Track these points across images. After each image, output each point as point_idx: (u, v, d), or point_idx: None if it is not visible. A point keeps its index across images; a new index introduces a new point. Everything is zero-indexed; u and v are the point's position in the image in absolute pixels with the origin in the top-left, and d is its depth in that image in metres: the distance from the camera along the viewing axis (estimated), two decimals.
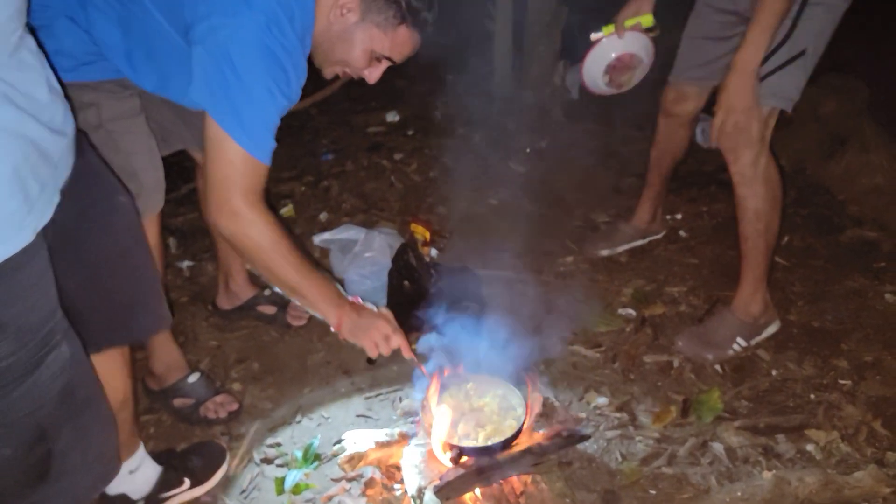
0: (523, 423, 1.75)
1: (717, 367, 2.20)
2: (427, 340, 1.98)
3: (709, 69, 2.28)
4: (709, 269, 2.62)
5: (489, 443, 1.72)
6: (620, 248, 2.78)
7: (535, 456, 1.72)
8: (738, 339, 2.27)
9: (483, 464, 1.69)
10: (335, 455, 1.85)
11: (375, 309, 1.78)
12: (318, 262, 2.81)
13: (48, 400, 1.10)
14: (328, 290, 1.69)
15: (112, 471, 1.35)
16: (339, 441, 1.92)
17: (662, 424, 2.00)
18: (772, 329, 2.29)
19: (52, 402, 1.11)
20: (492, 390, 1.89)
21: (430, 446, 1.77)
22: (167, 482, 1.78)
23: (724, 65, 2.00)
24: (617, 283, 2.62)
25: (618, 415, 2.04)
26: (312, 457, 1.88)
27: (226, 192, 1.50)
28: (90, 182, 1.33)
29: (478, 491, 1.69)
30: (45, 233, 1.07)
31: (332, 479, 1.87)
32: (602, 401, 2.09)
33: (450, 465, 1.69)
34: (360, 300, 1.78)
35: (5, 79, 0.98)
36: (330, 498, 1.82)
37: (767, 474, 1.76)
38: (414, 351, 1.85)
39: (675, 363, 2.23)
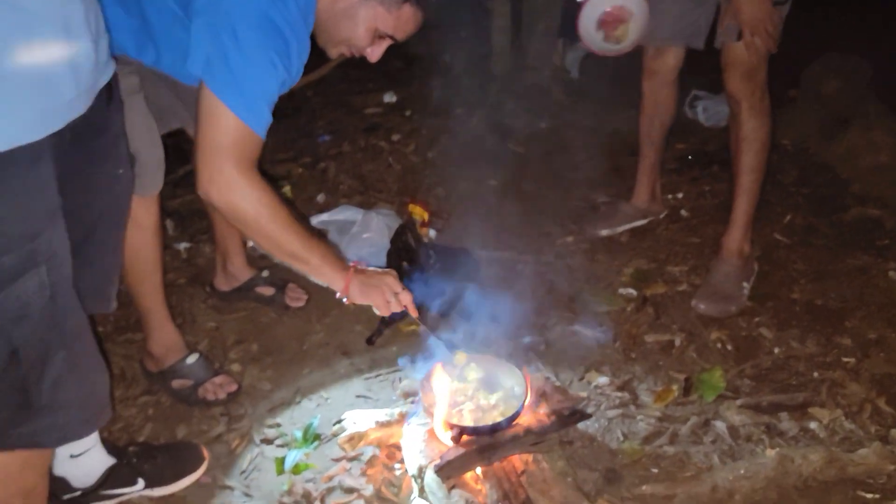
0: (524, 402, 1.73)
1: (719, 344, 2.19)
2: (426, 321, 1.95)
3: (682, 30, 2.35)
4: (710, 248, 2.59)
5: (490, 422, 1.70)
6: (621, 228, 2.76)
7: (536, 435, 1.71)
8: (744, 283, 2.33)
9: (484, 443, 1.67)
10: (335, 435, 1.84)
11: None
12: None
13: (33, 314, 1.13)
14: (331, 255, 1.65)
15: (105, 412, 1.35)
16: (339, 421, 1.90)
17: (664, 403, 1.99)
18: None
19: (38, 320, 1.13)
20: (492, 370, 1.87)
21: (431, 426, 1.75)
22: (116, 478, 1.71)
23: (697, 26, 2.24)
24: (617, 262, 2.60)
25: (619, 394, 2.03)
26: (312, 437, 1.86)
27: (219, 162, 1.45)
28: (111, 142, 1.37)
29: (479, 470, 1.67)
30: (53, 153, 1.11)
31: (333, 459, 1.86)
32: (603, 380, 2.07)
33: (450, 444, 1.67)
34: (363, 263, 1.75)
35: None
36: (330, 478, 1.81)
37: (770, 452, 1.74)
38: (419, 319, 1.82)
39: (677, 342, 2.21)
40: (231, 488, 1.81)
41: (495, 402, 1.77)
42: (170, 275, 2.63)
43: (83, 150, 1.25)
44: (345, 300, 1.69)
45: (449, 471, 1.63)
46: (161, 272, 2.03)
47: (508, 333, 2.18)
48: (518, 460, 1.72)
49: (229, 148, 1.46)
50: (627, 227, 2.76)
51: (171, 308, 2.43)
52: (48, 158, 1.13)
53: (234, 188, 1.47)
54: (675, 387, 2.04)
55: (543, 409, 1.79)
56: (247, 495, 1.79)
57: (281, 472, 1.81)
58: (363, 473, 1.81)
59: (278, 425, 1.99)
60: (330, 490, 1.78)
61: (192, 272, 2.65)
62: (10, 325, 1.12)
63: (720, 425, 1.90)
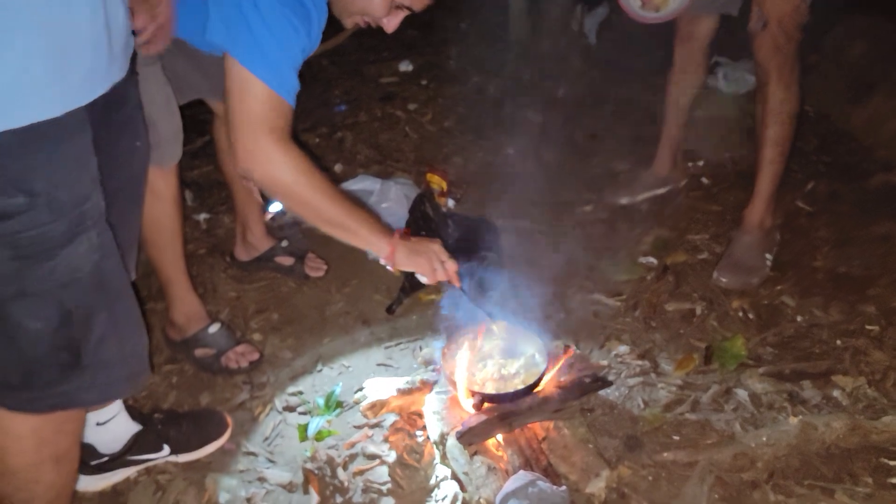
0: (545, 370, 1.74)
1: (741, 313, 2.17)
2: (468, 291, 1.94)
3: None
4: (732, 216, 2.57)
5: (511, 390, 1.71)
6: (641, 197, 2.74)
7: (558, 402, 1.71)
8: (766, 255, 2.31)
9: (505, 410, 1.68)
10: (357, 403, 1.85)
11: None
12: None
13: (83, 277, 1.15)
14: (375, 221, 1.62)
15: (145, 371, 1.37)
16: (361, 389, 1.92)
17: (685, 372, 1.98)
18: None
19: (87, 281, 1.16)
20: (513, 338, 1.87)
21: (452, 393, 1.76)
22: (142, 444, 1.74)
23: None
24: (638, 231, 2.58)
25: (639, 362, 2.03)
26: (335, 404, 1.88)
27: (253, 134, 1.44)
28: (130, 114, 1.37)
29: (500, 437, 1.69)
30: (90, 121, 1.14)
31: (355, 426, 1.88)
32: (623, 349, 2.07)
33: (472, 411, 1.68)
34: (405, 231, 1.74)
35: None
36: (352, 444, 1.83)
37: (793, 419, 1.74)
38: (462, 290, 1.82)
39: (698, 310, 2.20)
40: (255, 454, 1.83)
41: (516, 370, 1.77)
42: (190, 245, 2.64)
43: (105, 121, 1.26)
44: (389, 267, 1.67)
45: (470, 437, 1.64)
46: (181, 242, 2.03)
47: (528, 303, 2.18)
48: (539, 427, 1.73)
49: (262, 118, 1.44)
50: (647, 195, 2.74)
51: (192, 278, 2.45)
52: (86, 128, 1.15)
53: (272, 159, 1.45)
54: (695, 355, 2.03)
55: (564, 377, 1.80)
56: (270, 461, 1.81)
57: (304, 438, 1.83)
58: (385, 440, 1.83)
59: (300, 393, 2.01)
60: (353, 457, 1.80)
61: (212, 242, 2.66)
62: (61, 288, 1.14)
63: (742, 393, 1.90)
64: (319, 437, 1.81)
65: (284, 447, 1.85)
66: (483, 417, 1.66)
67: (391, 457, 1.79)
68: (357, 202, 1.64)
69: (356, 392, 1.95)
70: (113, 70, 1.21)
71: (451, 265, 1.73)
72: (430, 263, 1.69)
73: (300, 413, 1.94)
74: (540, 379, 1.72)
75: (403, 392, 1.83)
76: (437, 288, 2.32)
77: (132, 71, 1.39)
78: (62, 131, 1.09)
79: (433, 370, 1.92)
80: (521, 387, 1.71)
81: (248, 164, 1.48)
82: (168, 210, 1.95)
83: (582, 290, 2.32)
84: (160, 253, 2.01)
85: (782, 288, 2.25)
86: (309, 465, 1.78)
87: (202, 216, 2.80)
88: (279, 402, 1.98)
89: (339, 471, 1.77)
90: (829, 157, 2.92)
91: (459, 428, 1.66)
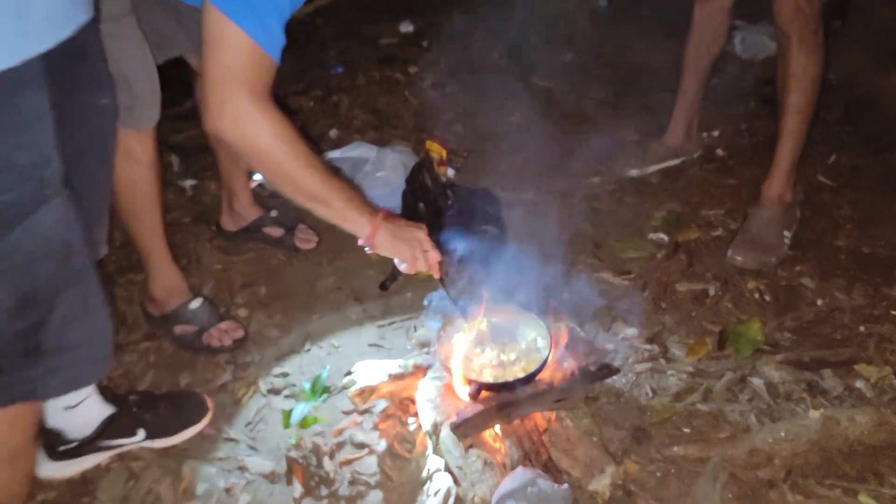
0: (547, 356, 1.61)
1: (757, 294, 2.04)
2: (445, 267, 1.80)
3: None
4: (748, 191, 2.42)
5: (511, 378, 1.58)
6: (651, 169, 2.58)
7: (560, 391, 1.59)
8: (785, 233, 2.17)
9: (504, 400, 1.56)
10: (345, 388, 1.73)
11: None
12: None
13: (48, 251, 1.06)
14: (357, 197, 1.48)
15: (110, 357, 1.28)
16: (350, 372, 1.80)
17: (697, 358, 1.86)
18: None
19: (52, 257, 1.07)
20: (514, 321, 1.74)
21: (447, 380, 1.64)
22: (115, 428, 1.62)
23: None
24: (647, 205, 2.44)
25: (648, 347, 1.90)
26: (321, 389, 1.76)
27: (228, 89, 1.27)
28: (91, 68, 1.25)
29: (498, 428, 1.56)
30: (46, 75, 1.01)
31: (343, 412, 1.76)
32: (631, 332, 1.94)
33: (468, 400, 1.56)
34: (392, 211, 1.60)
35: None
36: (340, 431, 1.71)
37: (814, 413, 1.61)
38: (440, 283, 1.69)
39: (711, 291, 2.07)
40: (236, 441, 1.72)
41: (516, 356, 1.65)
42: (174, 213, 2.51)
43: (65, 75, 1.11)
44: (367, 249, 1.53)
45: (466, 429, 1.52)
46: (160, 210, 1.89)
47: (530, 281, 2.04)
48: (540, 418, 1.60)
49: (241, 73, 1.27)
50: (659, 167, 2.59)
51: (175, 248, 2.32)
52: (42, 82, 1.01)
53: (246, 119, 1.29)
54: (708, 340, 1.90)
55: (568, 364, 1.67)
56: (252, 448, 1.70)
57: (288, 425, 1.71)
58: (375, 427, 1.71)
59: (286, 375, 1.88)
60: (340, 445, 1.69)
61: (198, 210, 2.52)
62: (25, 265, 1.04)
63: (757, 382, 1.77)
64: (304, 424, 1.69)
65: (268, 433, 1.73)
66: (479, 407, 1.54)
67: (381, 446, 1.67)
68: (340, 175, 1.49)
69: (345, 376, 1.83)
70: (77, 9, 1.08)
71: (434, 256, 1.58)
72: (411, 251, 1.55)
73: (285, 396, 1.82)
74: (542, 366, 1.59)
75: (395, 377, 1.71)
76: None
77: (95, 20, 1.24)
78: (18, 84, 0.97)
79: (427, 353, 1.79)
80: (521, 375, 1.58)
81: (221, 124, 1.30)
82: (145, 175, 1.81)
83: (588, 267, 2.19)
84: (137, 221, 1.88)
85: (802, 268, 2.11)
86: (293, 454, 1.67)
87: (188, 182, 2.66)
88: (264, 385, 1.86)
89: (325, 460, 1.65)
90: (853, 128, 2.76)
91: (454, 418, 1.54)
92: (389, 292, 2.10)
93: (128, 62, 1.63)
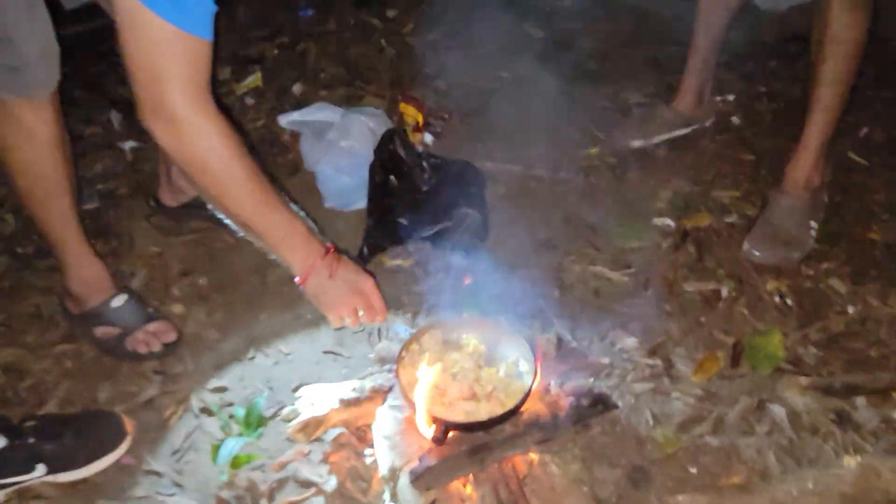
0: (530, 387, 1.33)
1: (777, 298, 1.75)
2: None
3: None
4: (768, 169, 2.11)
5: (486, 413, 1.30)
6: (657, 139, 2.26)
7: (545, 431, 1.31)
8: (811, 223, 1.88)
9: (477, 442, 1.28)
10: (287, 420, 1.44)
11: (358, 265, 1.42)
12: (285, 147, 2.31)
13: None
14: (295, 233, 1.31)
15: None
16: (298, 387, 1.52)
17: (706, 377, 1.58)
18: None
19: None
20: (492, 339, 1.45)
21: (409, 412, 1.36)
22: (7, 464, 1.36)
23: None
24: (652, 183, 2.12)
25: (650, 361, 1.62)
26: (256, 421, 1.47)
27: (158, 90, 1.09)
28: None
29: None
30: None
31: (288, 439, 1.48)
32: (630, 342, 1.66)
33: (433, 444, 1.28)
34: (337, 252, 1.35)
35: None
36: (283, 465, 1.44)
37: (849, 461, 1.35)
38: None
39: (724, 292, 1.78)
40: (159, 474, 1.45)
41: (494, 385, 1.36)
42: (109, 182, 2.19)
43: None
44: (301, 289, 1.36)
45: (429, 480, 1.25)
46: (70, 194, 1.57)
47: (514, 276, 1.76)
48: (520, 461, 1.33)
49: (169, 69, 1.08)
50: (665, 136, 2.26)
51: (107, 226, 2.03)
52: None
53: (180, 126, 1.12)
54: (720, 354, 1.63)
55: (556, 393, 1.40)
56: (177, 485, 1.43)
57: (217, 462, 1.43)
58: (325, 460, 1.44)
59: (223, 389, 1.60)
60: (281, 483, 1.42)
61: (137, 180, 2.19)
62: None
63: (778, 411, 1.50)
64: (236, 464, 1.41)
65: (197, 465, 1.46)
66: (446, 453, 1.26)
67: (330, 484, 1.41)
68: (284, 202, 1.29)
69: (293, 392, 1.55)
70: None
71: (379, 314, 1.43)
72: (348, 306, 1.39)
73: (220, 427, 1.53)
74: (524, 400, 1.31)
75: (348, 403, 1.42)
76: (406, 253, 1.91)
77: None
78: None
79: (389, 371, 1.50)
80: (499, 411, 1.30)
81: (153, 125, 1.13)
82: (44, 154, 1.49)
83: (581, 259, 1.89)
84: (42, 209, 1.57)
85: (830, 267, 1.82)
86: (224, 494, 1.40)
87: (128, 145, 2.32)
88: (196, 402, 1.58)
89: (263, 503, 1.38)
90: (889, 92, 2.42)
91: (415, 464, 1.26)
92: None
93: (7, 12, 1.29)
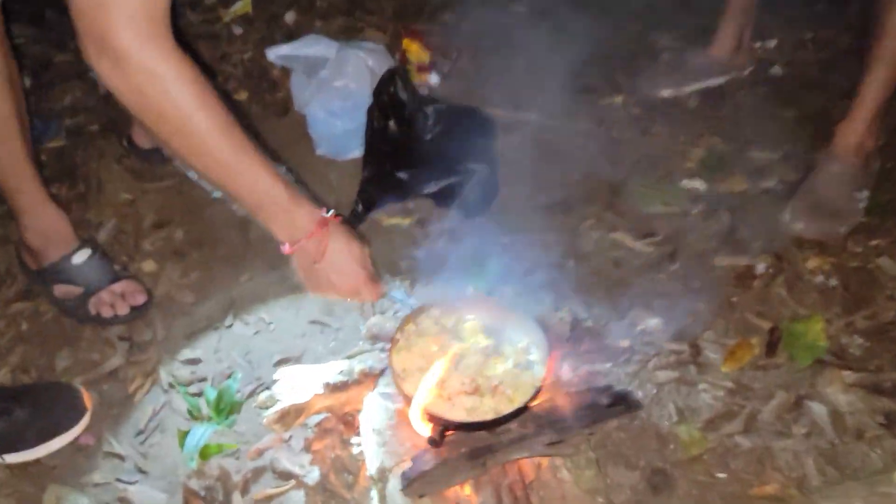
0: (541, 386, 1.15)
1: (820, 277, 1.56)
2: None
3: None
4: (812, 128, 1.88)
5: (489, 411, 1.13)
6: (689, 88, 2.04)
7: (556, 432, 1.14)
8: (860, 193, 1.67)
9: (478, 444, 1.11)
10: (262, 407, 1.27)
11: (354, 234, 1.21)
12: (275, 84, 2.09)
13: None
14: (277, 201, 1.08)
15: None
16: (278, 363, 1.35)
17: (738, 366, 1.41)
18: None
19: None
20: (498, 323, 1.27)
21: (401, 403, 1.19)
22: None
23: None
24: (682, 139, 1.91)
25: (675, 346, 1.44)
26: (228, 407, 1.30)
27: (102, 20, 0.89)
28: None
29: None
30: None
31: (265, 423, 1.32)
32: (653, 323, 1.48)
33: (429, 445, 1.11)
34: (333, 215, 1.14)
35: None
36: (260, 453, 1.29)
37: None
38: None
39: (759, 268, 1.59)
40: (121, 457, 1.29)
41: (500, 378, 1.18)
42: (80, 116, 1.99)
43: None
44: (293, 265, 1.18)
45: (423, 486, 1.09)
46: (22, 135, 1.37)
47: (524, 242, 1.57)
48: (527, 465, 1.17)
49: (123, 4, 0.88)
50: (699, 86, 2.04)
51: (73, 167, 1.83)
52: None
53: (128, 66, 0.91)
54: (754, 340, 1.45)
55: (570, 386, 1.23)
56: (140, 471, 1.27)
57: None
58: (307, 448, 1.28)
59: (196, 362, 1.44)
60: (257, 473, 1.26)
61: (110, 115, 1.98)
62: None
63: (818, 409, 1.33)
64: (205, 454, 1.24)
65: (164, 449, 1.31)
66: (444, 456, 1.10)
67: (312, 476, 1.25)
68: (263, 156, 1.03)
69: (262, 390, 1.37)
70: None
71: (376, 291, 1.23)
72: (336, 292, 1.19)
73: (192, 394, 1.37)
74: (534, 396, 1.14)
75: (334, 388, 1.25)
76: (406, 211, 1.72)
77: None
78: None
79: (382, 350, 1.33)
80: (505, 408, 1.13)
81: (98, 64, 0.92)
82: None
83: (600, 224, 1.70)
84: None
85: (880, 243, 1.62)
86: (193, 484, 1.25)
87: None
88: (165, 375, 1.41)
89: (235, 497, 1.23)
90: None
91: (407, 467, 1.10)
92: None
93: None
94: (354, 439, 1.28)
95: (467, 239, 1.56)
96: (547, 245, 1.62)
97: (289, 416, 1.21)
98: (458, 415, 1.12)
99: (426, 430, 1.12)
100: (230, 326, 1.50)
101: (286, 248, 1.12)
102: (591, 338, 1.43)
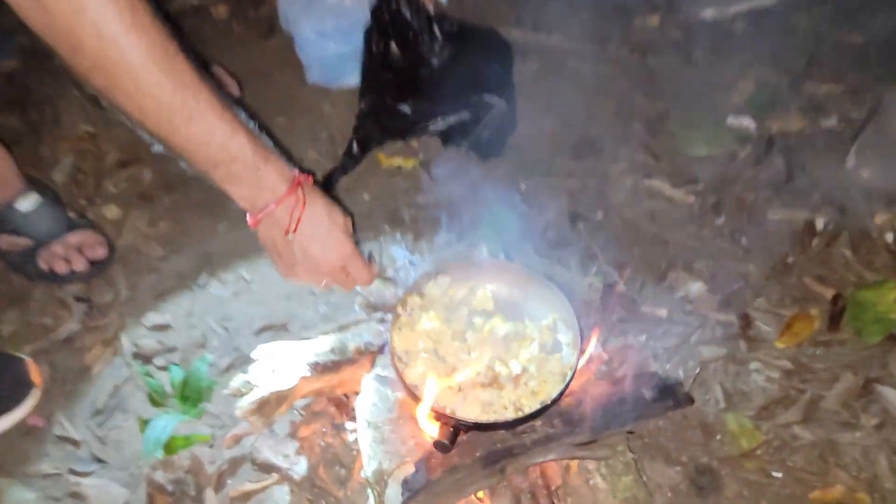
0: (574, 369, 0.95)
1: (890, 235, 1.34)
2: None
3: None
4: (880, 57, 1.63)
5: (510, 408, 0.93)
6: (736, 9, 1.78)
7: (590, 431, 0.95)
8: None
9: (497, 447, 0.92)
10: (236, 395, 1.06)
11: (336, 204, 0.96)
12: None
13: None
14: (237, 158, 0.83)
15: None
16: (249, 353, 1.14)
17: (796, 341, 1.21)
18: None
19: None
20: (520, 293, 1.06)
21: (404, 394, 0.99)
22: None
23: None
24: (727, 69, 1.66)
25: (721, 316, 1.24)
26: (196, 394, 1.10)
27: None
28: None
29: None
30: None
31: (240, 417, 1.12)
32: (696, 288, 1.27)
33: (435, 444, 0.92)
34: (305, 178, 0.90)
35: None
36: (237, 439, 1.10)
37: None
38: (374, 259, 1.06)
39: (820, 225, 1.38)
40: (75, 443, 1.11)
41: (524, 364, 0.98)
42: (34, 35, 1.70)
43: None
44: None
45: (428, 500, 0.90)
46: None
47: (545, 192, 1.35)
48: (552, 468, 0.98)
49: None
50: (746, 6, 1.77)
51: (26, 93, 1.59)
52: None
53: None
54: (814, 311, 1.25)
55: (604, 371, 1.03)
56: (97, 459, 1.09)
57: (150, 446, 1.07)
58: (293, 435, 1.09)
59: (165, 328, 1.24)
60: (235, 464, 1.08)
61: None
62: None
63: (891, 396, 1.14)
64: (170, 448, 1.05)
65: (126, 433, 1.12)
66: (454, 464, 0.91)
67: (299, 468, 1.07)
68: (225, 106, 0.78)
69: (255, 334, 1.18)
70: None
71: (362, 277, 0.98)
72: (313, 275, 0.94)
73: (158, 367, 1.18)
74: (565, 390, 0.94)
75: (323, 370, 1.05)
76: (409, 150, 1.49)
77: None
78: None
79: (381, 322, 1.12)
80: (528, 403, 0.93)
81: None
82: None
83: (634, 168, 1.48)
84: None
85: None
86: (159, 477, 1.06)
87: None
88: (129, 343, 1.21)
89: (208, 493, 1.05)
90: None
91: (410, 473, 0.91)
92: (338, 190, 1.42)
93: None
94: (349, 425, 1.09)
95: (480, 185, 1.34)
96: (572, 193, 1.41)
97: (268, 406, 1.01)
98: (472, 411, 0.92)
99: (433, 429, 0.92)
100: (205, 286, 1.29)
101: (250, 218, 0.89)
102: (623, 306, 1.23)
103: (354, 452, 1.07)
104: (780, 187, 1.43)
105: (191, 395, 1.06)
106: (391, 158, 1.48)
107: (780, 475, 1.07)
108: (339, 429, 1.10)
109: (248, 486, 1.06)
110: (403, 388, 0.95)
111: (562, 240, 1.30)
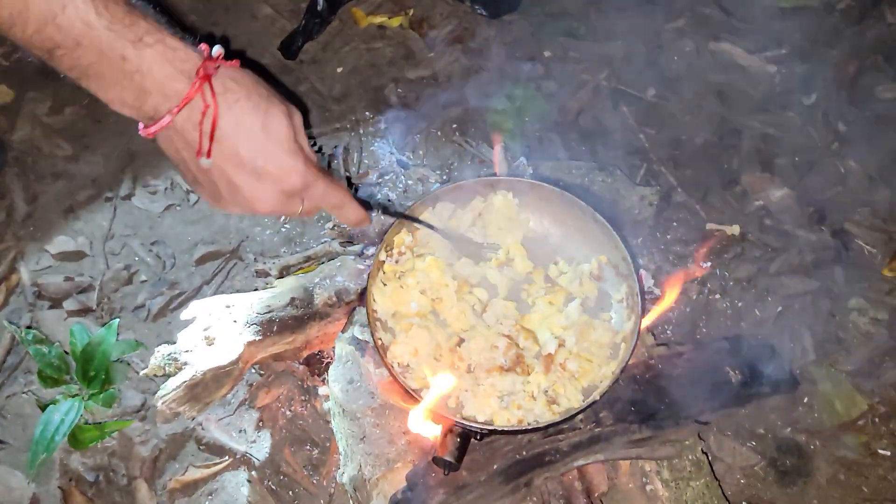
0: (629, 355, 0.66)
1: None
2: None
3: None
4: None
5: (542, 406, 0.65)
6: None
7: (649, 427, 0.68)
8: None
9: (522, 455, 0.66)
10: (158, 374, 0.77)
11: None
12: None
13: None
14: (105, 25, 0.49)
15: None
16: (186, 291, 0.85)
17: None
18: None
19: None
20: (547, 231, 0.75)
21: (389, 374, 0.70)
22: None
23: None
24: None
25: (810, 234, 0.95)
26: (103, 374, 0.80)
27: None
28: None
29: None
30: None
31: (182, 351, 0.85)
32: (778, 195, 0.97)
33: (435, 446, 0.65)
34: (218, 65, 0.53)
35: None
36: (176, 415, 0.83)
37: None
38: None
39: None
40: None
41: (560, 333, 0.69)
42: None
43: None
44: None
45: None
46: None
47: (578, 58, 1.01)
48: (595, 468, 0.72)
49: None
50: None
51: None
52: None
53: None
54: None
55: (666, 335, 0.75)
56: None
57: (50, 442, 0.80)
58: (251, 402, 0.84)
59: (79, 256, 0.94)
60: (176, 445, 0.84)
61: None
62: None
63: None
64: (79, 442, 0.78)
65: (31, 403, 0.85)
66: (463, 476, 0.64)
67: (260, 448, 0.82)
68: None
69: (195, 262, 0.90)
70: None
71: (332, 192, 0.61)
72: (265, 183, 0.58)
73: (71, 312, 0.89)
74: (621, 372, 0.65)
75: (280, 329, 0.77)
76: (398, 4, 1.13)
77: None
78: None
79: (356, 260, 0.82)
80: (566, 397, 0.65)
81: None
82: None
83: (697, 26, 1.12)
84: None
85: None
86: (74, 463, 0.81)
87: None
88: (29, 277, 0.92)
89: (141, 486, 0.80)
90: None
91: (401, 490, 0.65)
92: (301, 64, 1.07)
93: None
94: (322, 390, 0.83)
95: (490, 52, 1.00)
96: (613, 62, 1.05)
97: (204, 391, 0.74)
98: (486, 406, 0.65)
99: (429, 427, 0.65)
100: (129, 197, 0.98)
101: (142, 129, 0.55)
102: (681, 220, 0.93)
103: (330, 426, 0.81)
104: (890, 55, 1.08)
105: (96, 375, 0.77)
106: (372, 16, 1.11)
107: (888, 453, 0.82)
108: (309, 393, 0.84)
109: (192, 475, 0.81)
110: (389, 372, 0.67)
111: (599, 129, 0.98)
